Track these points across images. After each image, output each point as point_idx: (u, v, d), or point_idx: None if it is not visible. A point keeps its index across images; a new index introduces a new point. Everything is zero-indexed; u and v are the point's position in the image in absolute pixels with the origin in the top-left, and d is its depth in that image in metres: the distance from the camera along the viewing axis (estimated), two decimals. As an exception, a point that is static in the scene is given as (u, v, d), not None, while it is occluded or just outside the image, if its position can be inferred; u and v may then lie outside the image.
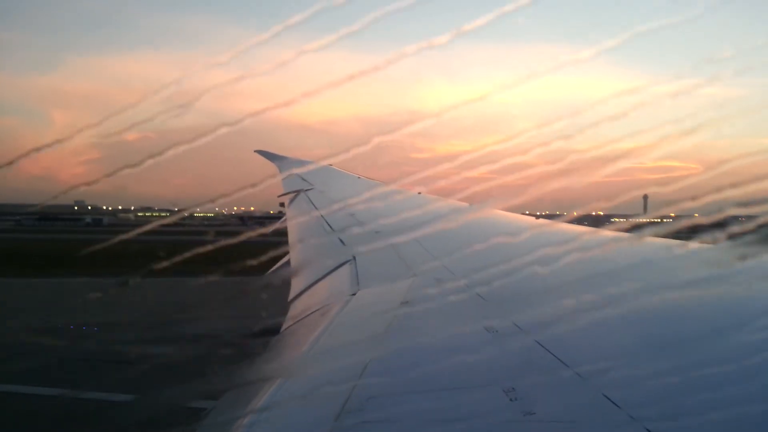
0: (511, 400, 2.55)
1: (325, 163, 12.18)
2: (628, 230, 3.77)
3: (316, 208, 9.36)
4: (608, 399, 2.47)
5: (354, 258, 5.66)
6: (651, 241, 4.64)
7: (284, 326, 4.71)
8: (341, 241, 6.36)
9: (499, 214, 7.27)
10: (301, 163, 13.12)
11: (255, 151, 14.56)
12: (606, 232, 5.56)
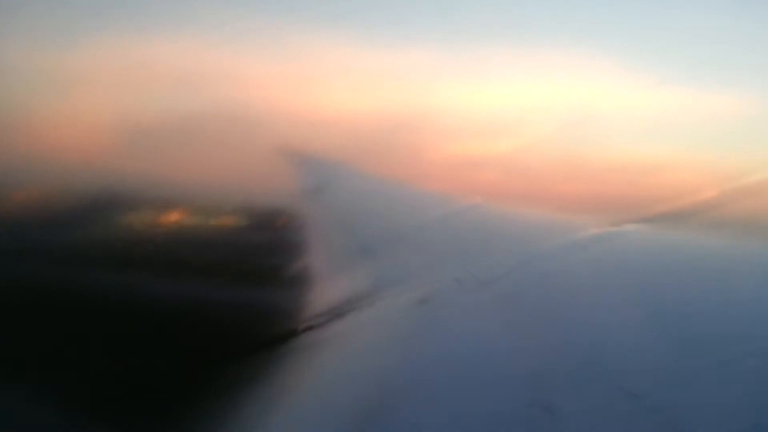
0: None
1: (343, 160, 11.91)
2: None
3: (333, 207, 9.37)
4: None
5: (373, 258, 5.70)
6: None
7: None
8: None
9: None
10: (323, 162, 12.66)
11: (275, 149, 14.14)
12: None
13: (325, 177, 11.08)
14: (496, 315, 3.84)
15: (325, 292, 5.46)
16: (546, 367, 2.93)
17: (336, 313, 4.59)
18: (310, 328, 4.56)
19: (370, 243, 6.42)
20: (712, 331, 3.32)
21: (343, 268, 5.95)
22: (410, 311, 4.07)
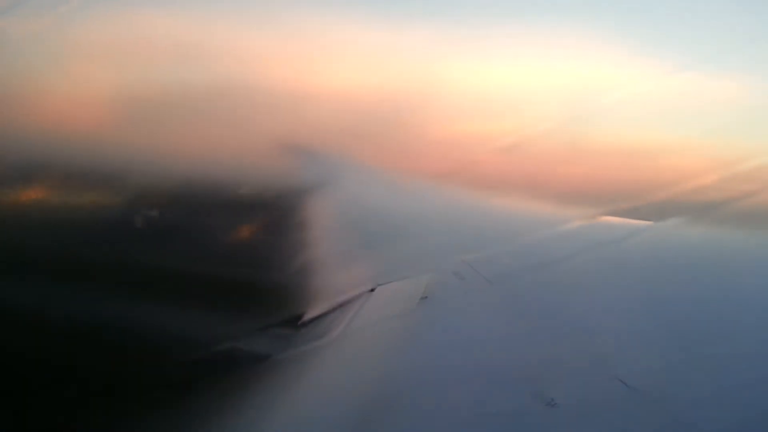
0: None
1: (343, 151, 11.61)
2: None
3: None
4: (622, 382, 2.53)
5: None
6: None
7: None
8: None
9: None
10: (320, 151, 12.34)
11: (269, 131, 13.71)
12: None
13: (322, 168, 10.93)
14: (495, 310, 3.84)
15: (323, 288, 5.45)
16: (546, 361, 2.93)
17: (336, 310, 4.58)
18: (308, 325, 4.55)
19: (368, 237, 6.40)
20: (710, 324, 3.33)
21: (341, 263, 5.94)
22: (411, 308, 4.06)
